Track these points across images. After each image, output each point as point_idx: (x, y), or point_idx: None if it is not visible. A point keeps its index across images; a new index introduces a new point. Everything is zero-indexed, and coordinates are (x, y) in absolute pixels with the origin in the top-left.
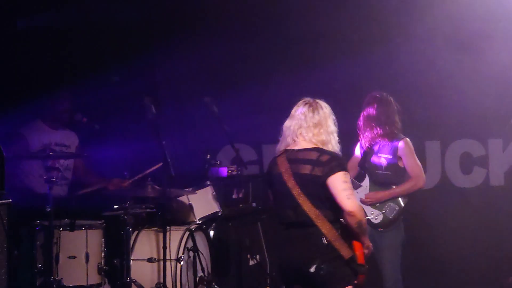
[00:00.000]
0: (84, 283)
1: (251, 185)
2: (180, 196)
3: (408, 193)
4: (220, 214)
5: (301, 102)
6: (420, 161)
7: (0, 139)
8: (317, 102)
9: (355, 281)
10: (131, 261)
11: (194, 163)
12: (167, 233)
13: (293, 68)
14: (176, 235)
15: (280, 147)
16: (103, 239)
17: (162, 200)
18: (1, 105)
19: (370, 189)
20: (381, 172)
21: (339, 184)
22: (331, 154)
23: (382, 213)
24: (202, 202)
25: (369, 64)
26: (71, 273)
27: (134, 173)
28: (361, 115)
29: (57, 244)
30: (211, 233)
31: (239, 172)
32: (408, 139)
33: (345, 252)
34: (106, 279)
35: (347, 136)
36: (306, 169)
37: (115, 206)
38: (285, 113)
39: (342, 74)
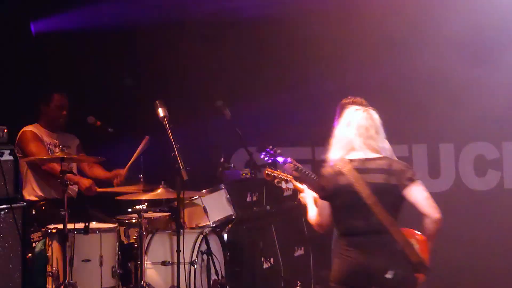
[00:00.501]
0: (98, 287)
1: (264, 188)
2: (194, 199)
3: None
4: (234, 217)
5: (353, 109)
6: (434, 164)
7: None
8: (369, 108)
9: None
10: (145, 264)
11: (207, 166)
12: (181, 236)
13: (306, 72)
14: (190, 238)
15: (337, 155)
16: (117, 243)
17: (176, 203)
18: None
19: None
20: None
21: (421, 192)
22: (401, 162)
23: None
24: (216, 205)
25: (384, 68)
26: (85, 277)
27: (149, 177)
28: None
29: (71, 248)
30: (225, 236)
31: (252, 175)
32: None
33: (415, 257)
34: (120, 283)
35: None
36: (381, 178)
37: (129, 210)
38: (298, 117)
39: (358, 79)
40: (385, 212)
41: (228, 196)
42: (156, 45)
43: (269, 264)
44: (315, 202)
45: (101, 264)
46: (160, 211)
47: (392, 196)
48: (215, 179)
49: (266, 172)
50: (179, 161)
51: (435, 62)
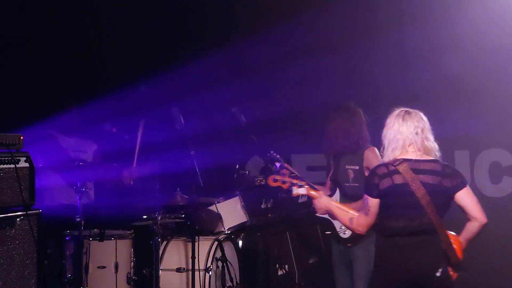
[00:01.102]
0: None
1: (279, 195)
2: (209, 206)
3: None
4: (248, 224)
5: (401, 111)
6: None
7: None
8: (417, 111)
9: None
10: (160, 271)
11: (222, 173)
12: (196, 243)
13: (321, 78)
14: (204, 245)
15: (391, 155)
16: (132, 249)
17: (191, 210)
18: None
19: (340, 202)
20: (348, 184)
21: (471, 197)
22: (452, 167)
23: None
24: (231, 212)
25: (399, 76)
26: (101, 283)
27: (164, 183)
28: (328, 126)
29: (86, 254)
30: (240, 243)
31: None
32: (374, 147)
33: (455, 258)
34: None
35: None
36: (435, 179)
37: (144, 216)
38: (315, 124)
39: (372, 88)
40: (436, 212)
41: (243, 203)
42: (170, 50)
43: (284, 271)
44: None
45: (116, 271)
46: (175, 217)
47: (444, 198)
48: (230, 186)
49: (274, 178)
50: (195, 167)
51: (451, 69)
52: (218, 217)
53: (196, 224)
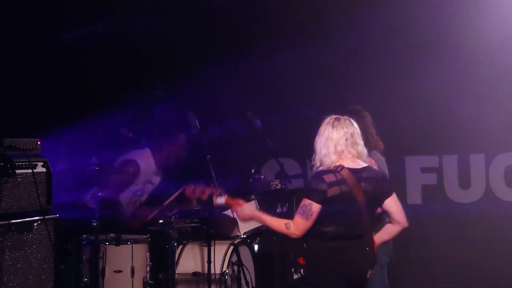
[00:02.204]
0: None
1: (295, 199)
2: (224, 211)
3: None
4: (264, 228)
5: (332, 118)
6: (464, 175)
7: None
8: (349, 118)
9: None
10: (176, 275)
11: (238, 177)
12: (212, 247)
13: (336, 83)
14: (220, 249)
15: (327, 161)
16: (148, 253)
17: (206, 214)
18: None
19: None
20: None
21: (397, 202)
22: (382, 172)
23: None
24: None
25: (414, 79)
26: (117, 287)
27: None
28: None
29: (103, 258)
30: (256, 247)
31: (283, 186)
32: (371, 158)
33: (374, 259)
34: None
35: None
36: (372, 187)
37: (160, 221)
38: None
39: (387, 92)
40: (369, 217)
41: (259, 207)
42: (185, 55)
43: (299, 275)
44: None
45: (132, 275)
46: (191, 222)
47: (376, 204)
48: (246, 190)
49: (191, 188)
50: (211, 171)
51: (466, 72)
52: (233, 221)
53: (212, 229)
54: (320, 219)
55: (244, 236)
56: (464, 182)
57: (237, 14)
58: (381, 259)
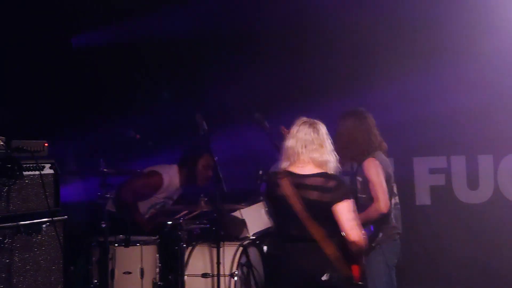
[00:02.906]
0: None
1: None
2: (233, 212)
3: (370, 219)
4: (273, 229)
5: (300, 122)
6: (472, 175)
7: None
8: (316, 122)
9: None
10: (185, 276)
11: (246, 178)
12: (221, 249)
13: (343, 86)
14: (229, 251)
15: (282, 166)
16: (157, 255)
17: (215, 215)
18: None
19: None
20: (359, 195)
21: (345, 213)
22: (337, 180)
23: None
24: (255, 218)
25: (422, 80)
26: None
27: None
28: (338, 131)
29: (112, 260)
30: (265, 248)
31: None
32: (374, 158)
33: (345, 273)
34: None
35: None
36: (314, 195)
37: (169, 222)
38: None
39: (396, 92)
40: (317, 226)
41: (267, 208)
42: (194, 57)
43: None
44: None
45: (142, 277)
46: (200, 223)
47: (323, 211)
48: (254, 192)
49: None
50: (218, 173)
51: (473, 73)
52: (242, 223)
53: (221, 230)
54: (274, 220)
55: (253, 237)
56: (473, 183)
57: (245, 16)
58: (389, 260)
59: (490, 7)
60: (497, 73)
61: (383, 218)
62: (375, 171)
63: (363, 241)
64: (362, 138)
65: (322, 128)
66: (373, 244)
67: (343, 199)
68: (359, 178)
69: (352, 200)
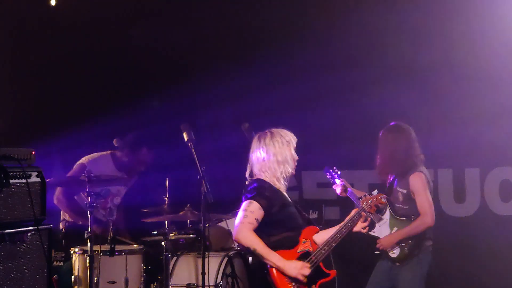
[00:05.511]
0: None
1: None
2: (219, 222)
3: (416, 232)
4: None
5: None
6: (459, 189)
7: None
8: (266, 132)
9: None
10: (170, 286)
11: (232, 189)
12: (206, 259)
13: (333, 94)
14: (214, 261)
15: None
16: (142, 264)
17: (201, 225)
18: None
19: (390, 222)
20: (399, 205)
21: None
22: (252, 183)
23: (400, 246)
24: None
25: (410, 94)
26: None
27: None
28: (380, 146)
29: (97, 269)
30: (250, 258)
31: None
32: (420, 172)
33: None
34: None
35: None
36: None
37: (155, 232)
38: (326, 139)
39: (383, 101)
40: None
41: None
42: (182, 66)
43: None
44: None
45: (126, 286)
46: (185, 233)
47: None
48: (240, 202)
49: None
50: (205, 183)
51: (460, 87)
52: (228, 233)
53: (206, 240)
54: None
55: (239, 247)
56: (459, 196)
57: (234, 25)
58: (424, 270)
59: (470, 20)
60: (483, 86)
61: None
62: (423, 185)
63: (242, 240)
64: (405, 152)
65: (266, 138)
66: (376, 252)
67: (244, 199)
68: (403, 190)
69: (252, 201)
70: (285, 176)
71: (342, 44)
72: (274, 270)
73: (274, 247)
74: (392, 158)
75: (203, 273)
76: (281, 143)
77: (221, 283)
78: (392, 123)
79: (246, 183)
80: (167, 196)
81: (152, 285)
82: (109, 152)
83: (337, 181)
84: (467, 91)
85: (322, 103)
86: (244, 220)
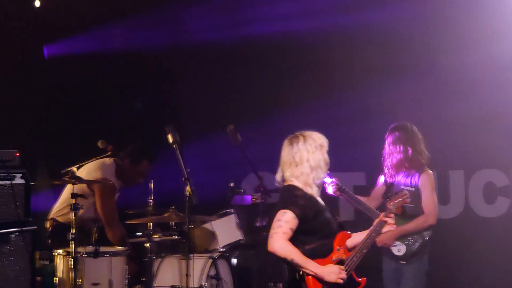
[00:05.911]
0: None
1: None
2: (203, 224)
3: (418, 230)
4: (243, 242)
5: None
6: (443, 191)
7: None
8: (296, 136)
9: None
10: None
11: (217, 191)
12: (190, 261)
13: (318, 95)
14: (199, 263)
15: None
16: (126, 266)
17: (185, 227)
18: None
19: (396, 220)
20: (405, 204)
21: (273, 222)
22: (285, 189)
23: (406, 244)
24: (226, 230)
25: (394, 96)
26: None
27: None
28: (386, 145)
29: (80, 271)
30: (234, 261)
31: (263, 200)
32: (430, 172)
33: None
34: None
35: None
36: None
37: (139, 233)
38: None
39: (366, 102)
40: None
41: (238, 220)
42: (166, 69)
43: None
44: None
45: None
46: (170, 235)
47: None
48: (225, 204)
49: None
50: (189, 185)
51: (444, 88)
52: (213, 235)
53: (190, 242)
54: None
55: (223, 249)
56: (443, 198)
57: (219, 29)
58: (428, 268)
59: (454, 23)
60: (468, 88)
61: (432, 229)
62: (431, 185)
63: (278, 251)
64: (409, 151)
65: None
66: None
67: (278, 209)
68: (409, 188)
69: (286, 210)
70: (317, 182)
71: (321, 46)
72: (310, 278)
73: (309, 255)
74: (405, 156)
75: (187, 275)
76: (314, 148)
77: (205, 285)
78: (397, 123)
79: (277, 186)
80: (151, 197)
81: (136, 287)
82: (112, 159)
83: (327, 179)
84: (451, 94)
85: (305, 104)
86: (278, 231)
